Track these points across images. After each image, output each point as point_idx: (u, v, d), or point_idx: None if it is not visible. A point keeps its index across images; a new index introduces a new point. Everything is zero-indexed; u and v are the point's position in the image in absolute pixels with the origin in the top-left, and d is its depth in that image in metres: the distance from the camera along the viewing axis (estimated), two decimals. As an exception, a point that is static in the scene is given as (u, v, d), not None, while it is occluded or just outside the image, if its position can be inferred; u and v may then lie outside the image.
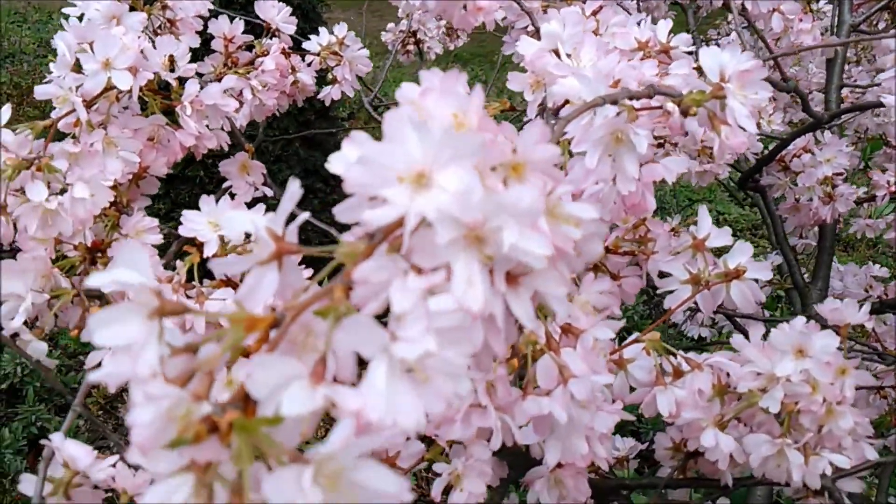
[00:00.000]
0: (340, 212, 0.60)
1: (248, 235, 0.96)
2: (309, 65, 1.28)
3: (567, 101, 0.87)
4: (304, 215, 0.55)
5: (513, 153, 0.54)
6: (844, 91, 1.64)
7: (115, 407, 2.00)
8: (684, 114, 0.77)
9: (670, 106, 0.77)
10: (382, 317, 0.49)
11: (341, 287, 0.49)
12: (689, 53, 1.02)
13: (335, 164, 0.60)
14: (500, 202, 0.48)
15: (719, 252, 0.96)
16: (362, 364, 0.54)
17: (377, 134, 0.57)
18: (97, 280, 0.47)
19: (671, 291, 0.95)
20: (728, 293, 0.92)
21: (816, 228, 1.55)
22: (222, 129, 1.06)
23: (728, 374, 0.89)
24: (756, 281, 0.92)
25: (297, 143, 2.48)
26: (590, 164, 0.75)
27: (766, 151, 1.44)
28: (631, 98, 0.77)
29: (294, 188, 0.53)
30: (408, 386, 0.46)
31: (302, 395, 0.44)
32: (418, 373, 0.45)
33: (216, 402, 0.45)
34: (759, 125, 1.41)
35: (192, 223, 0.91)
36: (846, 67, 1.65)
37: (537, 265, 0.50)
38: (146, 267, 0.46)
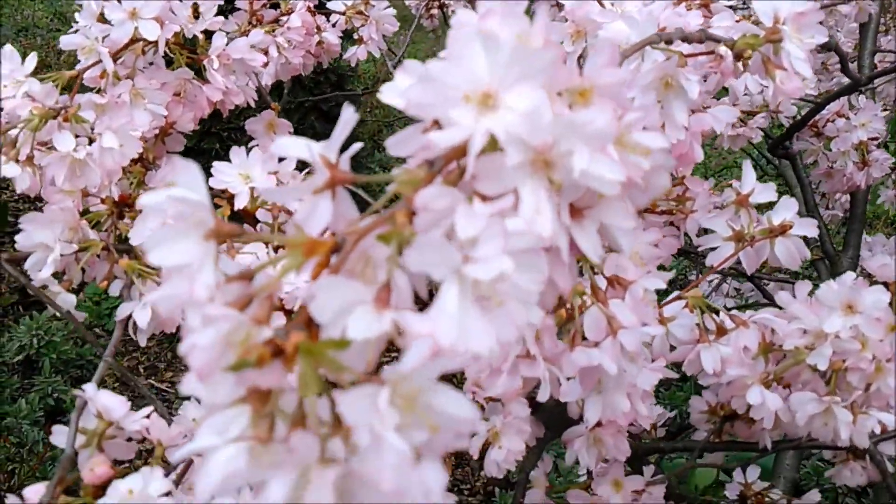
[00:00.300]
0: (394, 144, 0.58)
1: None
2: (334, 25, 1.25)
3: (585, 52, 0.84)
4: (357, 145, 0.53)
5: (580, 77, 0.52)
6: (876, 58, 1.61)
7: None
8: (738, 58, 0.75)
9: (723, 50, 0.74)
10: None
11: (404, 212, 0.47)
12: (730, 8, 1.00)
13: (387, 94, 0.57)
14: (572, 123, 0.46)
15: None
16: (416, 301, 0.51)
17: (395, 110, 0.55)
18: (151, 198, 0.44)
19: (713, 249, 0.92)
20: (772, 250, 0.90)
21: (845, 198, 1.53)
22: (248, 85, 1.03)
23: (773, 332, 0.87)
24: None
25: (313, 116, 2.46)
26: (639, 110, 0.73)
27: (798, 116, 1.41)
28: (684, 40, 0.74)
29: (349, 114, 0.51)
30: (479, 311, 0.44)
31: (368, 319, 0.42)
32: (492, 296, 0.42)
33: (277, 327, 0.43)
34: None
35: (223, 175, 0.89)
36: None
37: (609, 191, 0.48)
38: (202, 186, 0.44)
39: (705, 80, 0.79)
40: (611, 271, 0.74)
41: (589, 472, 0.99)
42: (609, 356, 0.70)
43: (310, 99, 2.27)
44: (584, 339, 0.72)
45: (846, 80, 1.28)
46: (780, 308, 0.89)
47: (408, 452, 0.36)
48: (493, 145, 0.50)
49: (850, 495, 1.74)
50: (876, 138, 1.32)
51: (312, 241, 0.44)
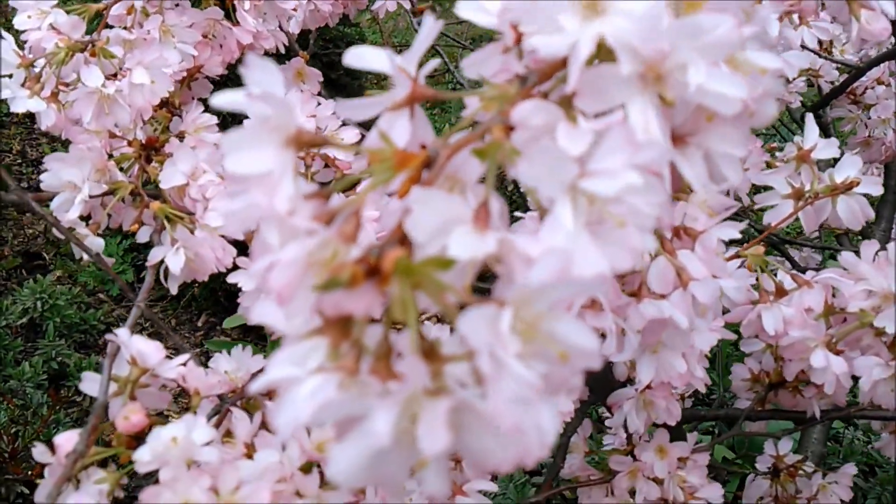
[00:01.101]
0: (471, 64, 0.53)
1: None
2: (364, -27, 1.20)
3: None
4: (436, 61, 0.48)
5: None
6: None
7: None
8: (819, -5, 0.70)
9: (801, -12, 0.70)
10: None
11: (500, 126, 0.42)
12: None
13: (466, 9, 0.52)
14: (693, 29, 0.41)
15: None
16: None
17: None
18: (225, 98, 0.40)
19: (770, 207, 0.88)
20: (834, 208, 0.86)
21: (876, 169, 1.49)
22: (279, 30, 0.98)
23: (833, 294, 0.83)
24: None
25: (322, 83, 2.40)
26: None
27: (836, 83, 1.36)
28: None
29: (430, 23, 0.46)
30: (589, 237, 0.39)
31: (470, 239, 0.37)
32: (610, 216, 0.38)
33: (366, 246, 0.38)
34: (830, 53, 1.33)
35: (259, 116, 0.84)
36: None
37: (727, 111, 0.43)
38: (281, 86, 0.39)
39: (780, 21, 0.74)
40: (678, 220, 0.70)
41: (629, 438, 0.95)
42: (680, 309, 0.65)
43: (326, 56, 2.21)
44: (651, 291, 0.68)
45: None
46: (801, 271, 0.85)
47: (535, 383, 0.32)
48: (591, 61, 0.46)
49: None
50: (919, 105, 1.27)
51: (403, 153, 0.40)
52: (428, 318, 0.92)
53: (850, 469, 1.16)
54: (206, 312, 2.05)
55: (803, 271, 1.35)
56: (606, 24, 0.41)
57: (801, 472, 1.16)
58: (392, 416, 0.32)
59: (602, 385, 0.89)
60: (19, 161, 2.40)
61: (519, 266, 0.38)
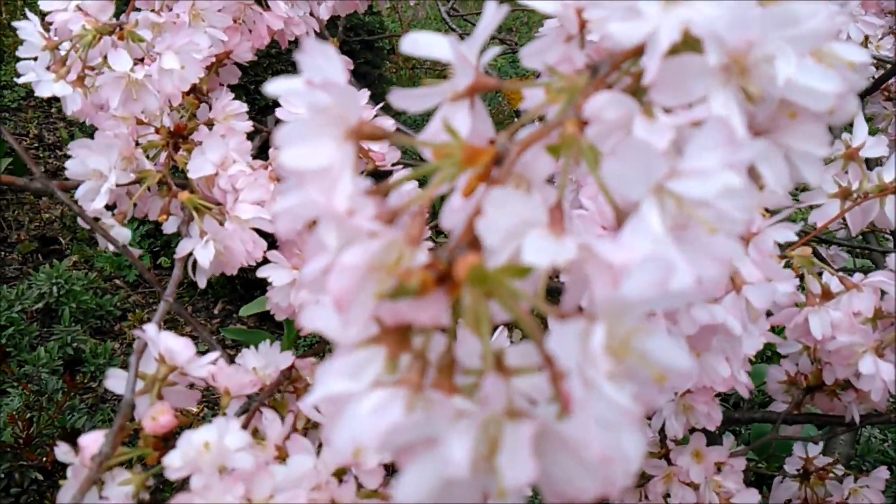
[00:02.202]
0: (529, 55, 0.50)
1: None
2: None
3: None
4: (497, 49, 0.45)
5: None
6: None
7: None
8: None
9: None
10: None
11: (574, 121, 0.39)
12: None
13: (526, -6, 0.50)
14: (789, 15, 0.38)
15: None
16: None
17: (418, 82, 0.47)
18: (281, 85, 0.37)
19: (817, 206, 0.85)
20: (882, 209, 0.82)
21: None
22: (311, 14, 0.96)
23: (881, 298, 0.80)
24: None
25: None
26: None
27: (872, 78, 1.33)
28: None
29: (492, 9, 0.43)
30: (673, 242, 0.36)
31: (547, 244, 0.35)
32: (702, 222, 0.35)
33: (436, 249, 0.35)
34: (865, 47, 1.30)
35: (292, 107, 0.81)
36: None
37: (819, 107, 0.40)
38: (341, 73, 0.36)
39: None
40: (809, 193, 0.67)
41: (662, 440, 0.92)
42: (733, 314, 0.62)
43: (356, 41, 2.18)
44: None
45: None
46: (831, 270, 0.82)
47: (628, 408, 0.29)
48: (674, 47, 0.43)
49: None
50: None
51: (471, 147, 0.37)
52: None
53: (883, 473, 1.13)
54: (223, 300, 2.02)
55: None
56: (692, 9, 0.38)
57: (831, 474, 1.13)
58: (470, 441, 0.29)
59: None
60: (36, 145, 2.37)
61: (599, 275, 0.35)
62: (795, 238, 0.65)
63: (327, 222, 0.36)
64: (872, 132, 1.42)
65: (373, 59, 2.48)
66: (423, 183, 0.48)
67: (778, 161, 0.43)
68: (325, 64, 0.36)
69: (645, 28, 0.38)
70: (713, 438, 0.94)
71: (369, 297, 0.35)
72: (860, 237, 1.52)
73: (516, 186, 0.41)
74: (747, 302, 0.63)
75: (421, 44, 0.43)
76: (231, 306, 2.02)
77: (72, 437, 0.63)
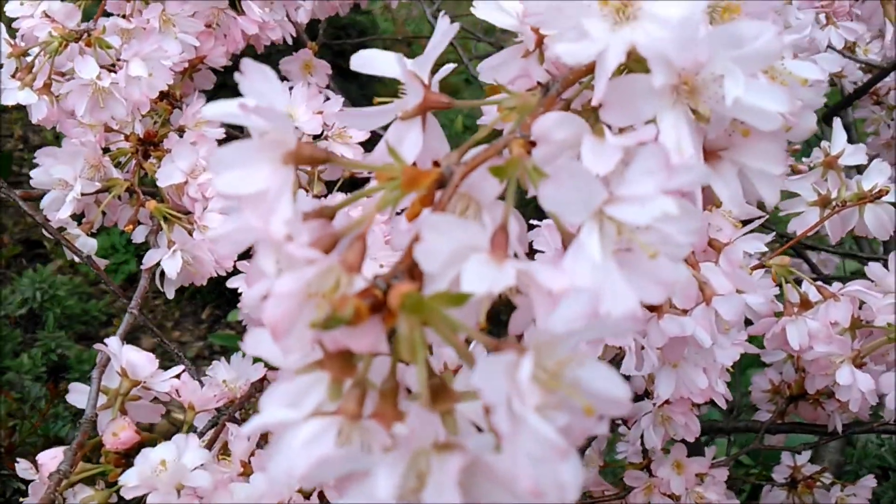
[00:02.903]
0: (489, 69, 0.49)
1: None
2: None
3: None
4: (450, 66, 0.45)
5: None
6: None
7: (137, 338, 1.91)
8: (852, -4, 0.66)
9: (836, -13, 0.65)
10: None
11: (520, 142, 0.38)
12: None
13: (483, 9, 0.48)
14: (733, 36, 0.37)
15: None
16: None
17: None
18: (217, 109, 0.36)
19: (796, 214, 0.84)
20: (861, 217, 0.82)
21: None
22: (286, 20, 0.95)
23: (860, 307, 0.79)
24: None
25: (332, 72, 2.36)
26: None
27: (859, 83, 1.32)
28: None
29: (445, 26, 0.42)
30: (617, 266, 0.35)
31: (486, 270, 0.34)
32: (641, 247, 0.34)
33: (372, 276, 0.35)
34: (854, 53, 1.29)
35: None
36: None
37: (767, 126, 0.39)
38: (280, 97, 0.36)
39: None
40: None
41: (644, 451, 0.91)
42: (703, 325, 0.62)
43: (337, 44, 2.17)
44: (672, 305, 0.64)
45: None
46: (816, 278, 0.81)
47: (556, 442, 0.28)
48: (618, 70, 0.42)
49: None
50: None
51: (412, 171, 0.36)
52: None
53: (870, 482, 1.12)
54: (211, 305, 2.00)
55: (821, 275, 1.32)
56: (638, 31, 0.38)
57: (819, 483, 1.12)
58: (396, 475, 0.28)
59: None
60: (21, 147, 2.36)
61: (541, 301, 0.34)
62: (765, 249, 0.64)
63: (265, 248, 0.35)
64: (862, 136, 1.42)
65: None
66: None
67: (732, 180, 0.42)
68: (264, 87, 0.35)
69: (592, 49, 0.37)
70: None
71: (307, 325, 0.34)
72: (852, 243, 1.51)
73: (465, 207, 0.40)
74: (717, 314, 0.62)
75: (370, 61, 0.43)
76: (219, 311, 2.01)
77: (55, 446, 0.62)
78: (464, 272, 0.33)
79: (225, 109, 0.35)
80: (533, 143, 0.38)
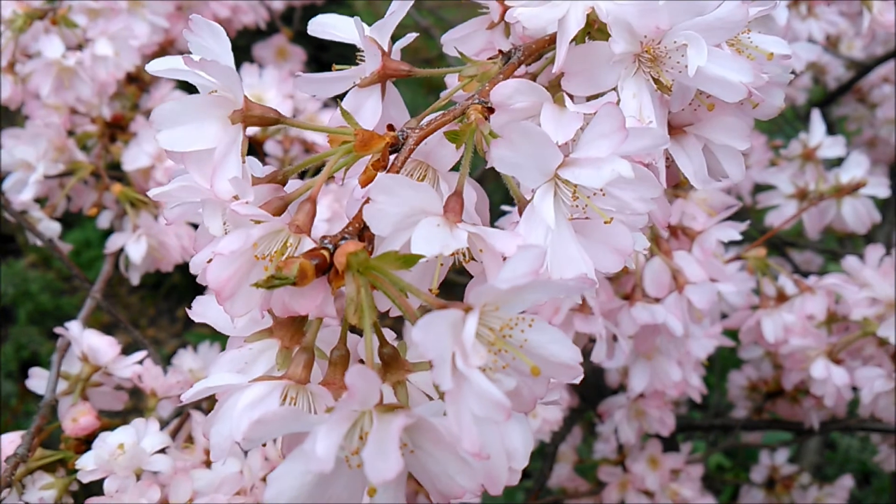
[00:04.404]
0: (451, 40, 0.48)
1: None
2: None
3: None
4: (412, 35, 0.43)
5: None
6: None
7: (112, 332, 1.89)
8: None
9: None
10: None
11: (479, 107, 0.37)
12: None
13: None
14: (694, 4, 0.36)
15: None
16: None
17: None
18: (162, 63, 0.34)
19: (773, 207, 0.84)
20: (839, 211, 0.81)
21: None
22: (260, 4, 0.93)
23: (836, 301, 0.78)
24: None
25: (311, 65, 2.35)
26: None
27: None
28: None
29: (405, -7, 0.41)
30: (573, 233, 0.34)
31: (439, 233, 0.32)
32: (597, 211, 0.33)
33: (320, 237, 0.33)
34: (837, 49, 1.28)
35: (232, 97, 0.79)
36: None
37: (730, 97, 0.38)
38: (229, 55, 0.34)
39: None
40: (675, 219, 0.65)
41: (620, 447, 0.90)
42: (675, 314, 0.61)
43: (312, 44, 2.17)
44: (645, 294, 0.63)
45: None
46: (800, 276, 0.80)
47: (502, 402, 0.27)
48: (581, 37, 0.41)
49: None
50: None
51: (367, 133, 0.35)
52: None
53: (847, 481, 1.12)
54: (186, 302, 1.95)
55: (804, 275, 1.31)
56: (599, -2, 0.37)
57: (797, 483, 1.12)
58: (335, 436, 0.27)
59: (593, 392, 0.85)
60: None
61: (493, 267, 0.33)
62: (739, 237, 0.63)
63: (211, 208, 0.34)
64: (846, 134, 1.42)
65: (346, 52, 2.45)
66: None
67: (696, 155, 0.41)
68: (212, 43, 0.34)
69: (553, 14, 0.36)
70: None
71: (254, 288, 0.32)
72: (836, 245, 1.51)
73: (422, 176, 0.39)
74: (689, 302, 0.61)
75: (328, 26, 0.41)
76: (197, 308, 1.96)
77: None
78: (415, 234, 0.32)
79: (170, 65, 0.34)
80: (492, 110, 0.37)
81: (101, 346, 0.61)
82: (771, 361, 0.97)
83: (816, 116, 0.83)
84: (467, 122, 0.36)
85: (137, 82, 0.84)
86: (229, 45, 0.34)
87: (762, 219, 0.91)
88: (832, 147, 0.82)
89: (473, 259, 0.36)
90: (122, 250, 0.70)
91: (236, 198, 0.33)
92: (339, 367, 0.34)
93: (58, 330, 0.62)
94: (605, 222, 0.33)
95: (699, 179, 0.41)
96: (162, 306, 1.96)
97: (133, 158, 0.73)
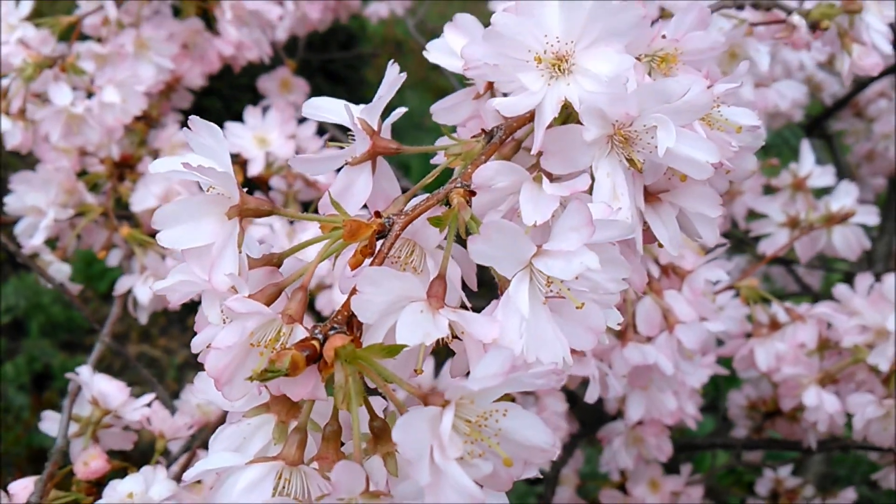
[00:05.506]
0: (439, 110, 0.50)
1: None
2: (354, -22, 1.17)
3: (664, 14, 0.76)
4: (402, 109, 0.45)
5: (664, 39, 0.44)
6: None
7: (123, 344, 1.90)
8: (813, 28, 0.66)
9: (796, 19, 0.66)
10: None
11: (462, 191, 0.39)
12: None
13: (434, 53, 0.49)
14: (660, 92, 0.38)
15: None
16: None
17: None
18: (163, 165, 0.37)
19: (766, 235, 0.85)
20: (830, 239, 0.83)
21: (878, 181, 1.45)
22: (263, 39, 0.95)
23: (828, 327, 0.80)
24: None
25: (320, 77, 2.36)
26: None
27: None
28: (754, 6, 0.66)
29: (394, 74, 0.43)
30: (549, 315, 0.36)
31: (421, 320, 0.35)
32: (570, 298, 0.35)
33: (311, 327, 0.35)
34: (832, 66, 1.29)
35: (236, 138, 0.82)
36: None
37: (698, 175, 0.40)
38: (226, 153, 0.37)
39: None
40: (666, 259, 0.67)
41: (622, 470, 0.92)
42: (665, 353, 0.63)
43: (318, 58, 2.17)
44: (636, 332, 0.65)
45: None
46: (814, 301, 0.82)
47: (476, 494, 0.29)
48: (562, 118, 0.43)
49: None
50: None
51: (355, 222, 0.37)
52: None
53: (850, 494, 1.13)
54: (197, 312, 1.98)
55: (807, 287, 1.32)
56: (573, 85, 0.39)
57: (801, 498, 1.13)
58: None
59: (593, 417, 0.87)
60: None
61: (474, 350, 0.35)
62: (727, 277, 0.65)
63: (209, 298, 0.36)
64: (844, 149, 1.43)
65: (352, 62, 2.46)
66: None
67: (671, 222, 0.43)
68: (210, 141, 0.36)
69: (528, 102, 0.38)
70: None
71: (248, 374, 0.35)
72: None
73: (410, 251, 0.41)
74: (679, 342, 0.63)
75: (320, 109, 0.43)
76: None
77: (39, 457, 0.63)
78: (399, 323, 0.34)
79: (170, 166, 0.36)
80: (473, 193, 0.39)
81: (111, 390, 0.63)
82: (770, 380, 0.99)
83: (806, 147, 0.84)
84: (450, 206, 0.38)
85: (145, 119, 0.87)
86: (226, 143, 0.36)
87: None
88: (822, 177, 0.83)
89: (457, 337, 0.38)
90: (130, 291, 0.73)
91: (234, 288, 0.36)
92: (332, 442, 0.36)
93: (69, 375, 0.64)
94: (577, 307, 0.35)
95: (673, 246, 0.43)
96: (173, 316, 1.98)
97: (141, 200, 0.75)
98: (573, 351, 0.61)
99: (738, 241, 1.05)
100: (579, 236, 0.34)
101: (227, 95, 1.96)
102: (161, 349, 1.92)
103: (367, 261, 0.37)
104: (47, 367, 1.75)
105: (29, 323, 1.87)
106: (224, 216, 0.36)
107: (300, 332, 0.35)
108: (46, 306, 1.85)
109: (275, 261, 0.39)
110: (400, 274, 0.35)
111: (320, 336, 0.34)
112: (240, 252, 0.36)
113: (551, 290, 0.35)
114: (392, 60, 0.43)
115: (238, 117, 0.88)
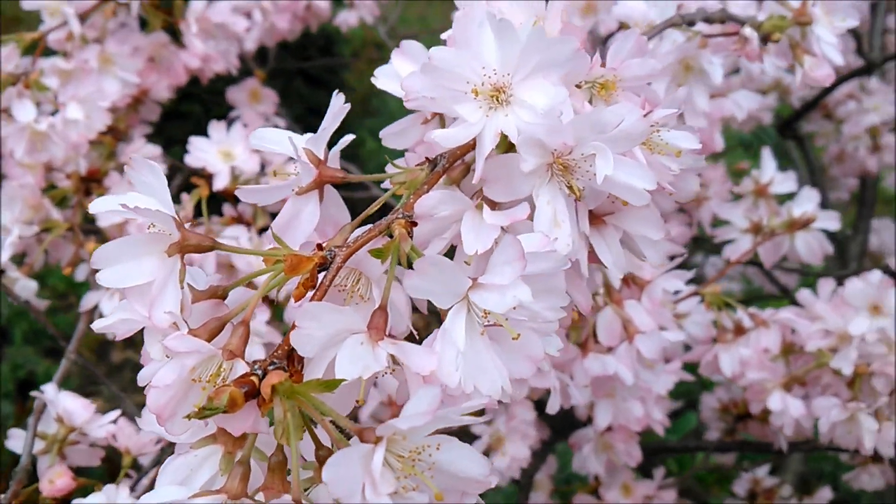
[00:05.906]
0: (388, 135, 0.51)
1: (262, 169, 0.86)
2: (324, -14, 1.17)
3: (622, 26, 0.77)
4: (349, 137, 0.46)
5: (603, 67, 0.45)
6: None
7: (106, 351, 1.91)
8: (764, 40, 0.67)
9: (748, 32, 0.67)
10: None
11: (403, 222, 0.40)
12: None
13: (382, 79, 0.50)
14: (596, 122, 0.39)
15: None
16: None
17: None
18: (101, 205, 0.37)
19: (730, 241, 0.86)
20: (793, 244, 0.84)
21: (851, 180, 1.47)
22: (230, 50, 0.96)
23: (793, 332, 0.81)
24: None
25: (298, 80, 2.36)
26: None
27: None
28: (706, 20, 0.67)
29: (338, 104, 0.44)
30: (488, 344, 0.37)
31: (360, 353, 0.35)
32: (506, 329, 0.36)
33: (251, 361, 0.36)
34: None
35: (201, 152, 0.82)
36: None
37: (637, 202, 0.41)
38: (165, 190, 0.37)
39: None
40: (651, 270, 0.68)
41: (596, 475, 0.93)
42: (625, 364, 0.63)
43: (295, 65, 2.17)
44: (597, 342, 0.66)
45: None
46: (791, 302, 0.83)
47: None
48: (505, 145, 0.43)
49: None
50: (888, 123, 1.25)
51: (296, 256, 0.37)
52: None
53: (826, 493, 1.15)
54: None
55: (782, 288, 1.33)
56: (511, 117, 0.39)
57: (778, 497, 1.14)
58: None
59: (564, 423, 0.87)
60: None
61: (413, 381, 0.36)
62: (684, 287, 0.66)
63: (151, 336, 0.37)
64: (816, 151, 1.44)
65: (332, 65, 2.46)
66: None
67: (615, 244, 0.44)
68: (151, 179, 0.37)
69: (465, 135, 0.39)
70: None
71: (190, 409, 0.35)
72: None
73: (356, 280, 0.42)
74: (638, 351, 0.64)
75: (266, 140, 0.44)
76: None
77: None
78: (338, 357, 0.35)
79: (110, 206, 0.37)
80: (415, 224, 0.40)
81: (76, 408, 0.64)
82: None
83: (767, 154, 0.85)
84: (390, 238, 0.39)
85: (113, 133, 0.87)
86: (166, 181, 0.37)
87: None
88: (783, 183, 0.84)
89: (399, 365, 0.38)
90: (96, 307, 0.73)
91: (175, 324, 0.36)
92: (278, 473, 0.37)
93: (34, 393, 0.65)
94: (513, 338, 0.36)
95: (617, 268, 0.44)
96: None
97: (108, 215, 0.75)
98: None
99: (713, 243, 1.05)
100: (512, 270, 0.34)
101: (206, 100, 1.95)
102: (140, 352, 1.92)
103: (310, 293, 0.38)
104: (31, 374, 1.75)
105: (12, 330, 1.87)
106: (164, 254, 0.36)
107: (241, 368, 0.35)
108: (29, 313, 1.85)
109: (220, 293, 0.39)
110: (339, 308, 0.36)
111: (259, 372, 0.35)
112: (182, 287, 0.37)
113: (489, 321, 0.36)
114: (338, 92, 0.43)
115: (218, 121, 0.88)
